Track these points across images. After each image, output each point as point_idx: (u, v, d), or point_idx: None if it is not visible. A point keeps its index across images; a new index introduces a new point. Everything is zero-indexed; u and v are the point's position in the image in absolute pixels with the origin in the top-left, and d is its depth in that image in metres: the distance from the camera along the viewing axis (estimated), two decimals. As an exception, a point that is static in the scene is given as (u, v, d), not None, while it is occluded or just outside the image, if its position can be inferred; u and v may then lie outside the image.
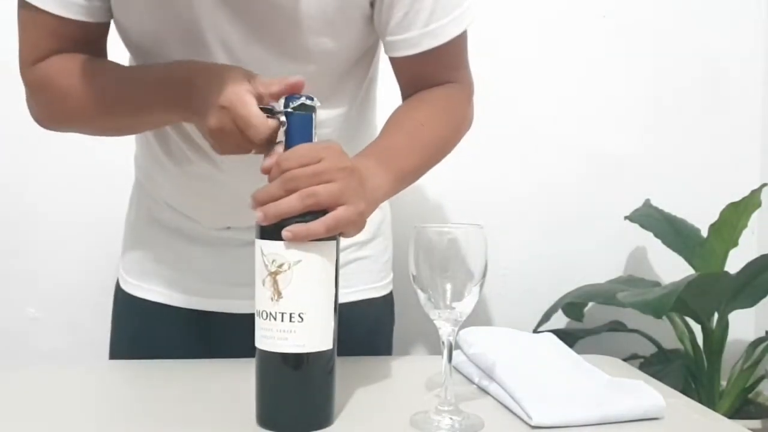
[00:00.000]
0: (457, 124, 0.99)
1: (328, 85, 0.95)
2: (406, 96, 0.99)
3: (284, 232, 0.71)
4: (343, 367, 0.94)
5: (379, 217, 1.10)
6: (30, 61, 0.90)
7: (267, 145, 0.77)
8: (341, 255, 1.02)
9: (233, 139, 0.77)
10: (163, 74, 0.85)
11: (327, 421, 0.75)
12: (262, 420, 0.74)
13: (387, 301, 1.12)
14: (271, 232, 0.72)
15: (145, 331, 1.06)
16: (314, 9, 0.86)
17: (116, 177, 1.50)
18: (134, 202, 1.10)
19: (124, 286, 1.08)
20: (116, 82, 0.88)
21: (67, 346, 1.55)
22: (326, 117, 0.95)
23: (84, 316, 1.56)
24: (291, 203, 0.72)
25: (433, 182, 1.62)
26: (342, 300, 1.03)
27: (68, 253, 1.55)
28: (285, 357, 0.72)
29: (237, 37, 0.87)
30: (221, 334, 1.02)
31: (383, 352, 1.12)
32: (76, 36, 0.89)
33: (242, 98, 0.76)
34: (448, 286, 0.74)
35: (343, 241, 1.01)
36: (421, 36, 0.91)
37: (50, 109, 0.92)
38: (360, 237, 1.04)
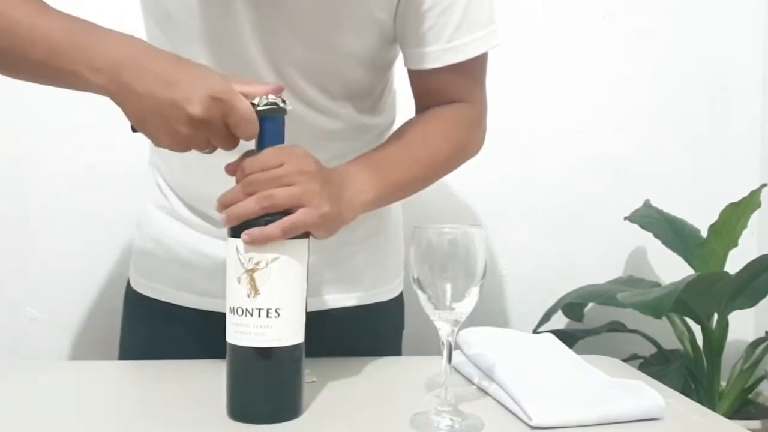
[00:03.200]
0: (463, 145, 0.99)
1: (347, 80, 0.95)
2: (420, 110, 0.99)
3: (243, 236, 0.73)
4: (344, 368, 0.94)
5: (391, 222, 1.10)
6: None
7: (236, 144, 0.77)
8: (351, 256, 1.04)
9: (213, 132, 0.75)
10: (99, 32, 0.76)
11: (300, 410, 0.78)
12: (240, 413, 0.76)
13: (397, 304, 1.12)
14: (243, 231, 0.74)
15: (155, 331, 1.06)
16: (339, 5, 0.87)
17: (117, 177, 1.51)
18: (147, 201, 1.09)
19: (134, 286, 1.08)
20: (42, 18, 0.77)
21: (67, 347, 1.55)
22: (341, 112, 0.96)
23: (84, 316, 1.56)
24: (249, 205, 0.75)
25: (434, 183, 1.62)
26: (351, 303, 1.04)
27: (68, 253, 1.55)
28: (263, 351, 0.75)
29: (267, 24, 0.88)
30: None
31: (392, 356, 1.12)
32: None
33: (236, 93, 0.75)
34: (448, 287, 0.74)
35: (355, 245, 1.02)
36: (443, 51, 0.91)
37: None
38: (371, 241, 1.05)
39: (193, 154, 0.94)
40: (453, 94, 0.97)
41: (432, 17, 0.90)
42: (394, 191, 0.90)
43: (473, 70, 0.96)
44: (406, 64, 0.96)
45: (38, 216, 1.54)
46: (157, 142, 0.77)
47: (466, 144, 0.99)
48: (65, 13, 0.79)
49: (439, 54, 0.92)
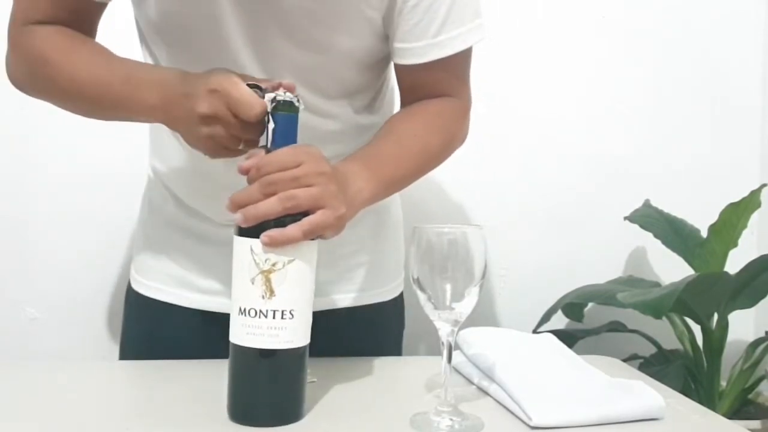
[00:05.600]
0: (450, 139, 0.99)
1: (343, 80, 0.95)
2: (405, 103, 1.00)
3: (262, 237, 0.73)
4: (344, 368, 0.94)
5: (391, 222, 1.10)
6: (21, 21, 0.91)
7: (257, 130, 0.78)
8: (353, 258, 1.04)
9: (225, 125, 0.77)
10: (147, 75, 0.85)
11: (303, 412, 0.78)
12: (244, 416, 0.76)
13: (397, 304, 1.12)
14: (257, 232, 0.73)
15: (156, 331, 1.06)
16: (329, 5, 0.87)
17: (117, 177, 1.51)
18: (146, 202, 1.09)
19: (134, 286, 1.08)
20: (102, 71, 0.87)
21: (67, 346, 1.55)
22: (338, 112, 0.96)
23: (84, 316, 1.56)
24: (271, 206, 0.74)
25: (433, 183, 1.62)
26: (352, 303, 1.04)
27: (68, 252, 1.55)
28: (274, 353, 0.74)
29: (257, 27, 0.88)
30: None
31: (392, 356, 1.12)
32: (74, 8, 0.90)
33: (231, 79, 0.77)
34: (448, 287, 0.74)
35: (355, 245, 1.02)
36: (429, 46, 0.92)
37: (30, 76, 0.92)
38: (371, 241, 1.05)
39: (194, 155, 0.95)
40: (439, 88, 0.97)
41: (418, 13, 0.90)
42: (388, 187, 0.91)
43: (458, 64, 0.96)
44: (393, 58, 0.96)
45: (38, 216, 1.54)
46: (208, 155, 0.82)
47: (453, 138, 1.00)
48: (119, 59, 0.88)
49: (426, 49, 0.92)
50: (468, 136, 1.02)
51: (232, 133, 0.78)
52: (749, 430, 0.80)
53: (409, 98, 0.99)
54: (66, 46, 0.89)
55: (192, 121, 0.79)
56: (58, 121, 1.47)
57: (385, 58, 0.99)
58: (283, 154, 0.76)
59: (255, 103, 0.76)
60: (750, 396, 1.57)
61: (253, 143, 0.80)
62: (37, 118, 1.49)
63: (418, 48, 0.92)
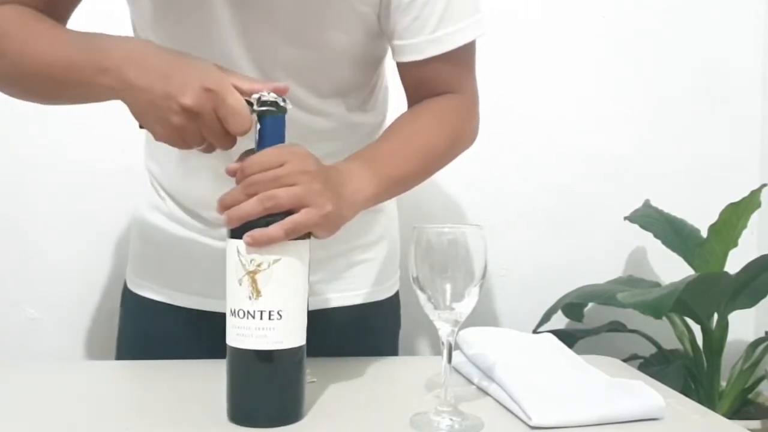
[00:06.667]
0: (458, 137, 0.98)
1: (336, 78, 0.95)
2: (411, 102, 0.99)
3: (245, 238, 0.72)
4: (343, 368, 0.94)
5: (386, 220, 1.10)
6: None
7: (233, 141, 0.77)
8: (347, 257, 1.04)
9: (203, 125, 0.75)
10: (112, 41, 0.80)
11: (302, 413, 0.78)
12: (241, 417, 0.76)
13: (392, 303, 1.12)
14: (244, 233, 0.73)
15: (151, 331, 1.06)
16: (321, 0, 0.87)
17: (117, 177, 1.50)
18: (143, 202, 1.09)
19: (130, 286, 1.08)
20: (57, 41, 0.82)
21: (67, 347, 1.55)
22: (331, 111, 0.96)
23: (84, 316, 1.56)
24: (251, 206, 0.74)
25: (432, 182, 1.62)
26: (347, 303, 1.04)
27: (68, 253, 1.55)
28: (264, 354, 0.74)
29: (250, 25, 0.88)
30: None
31: (388, 355, 1.12)
32: None
33: (227, 85, 0.75)
34: (448, 287, 0.74)
35: (349, 243, 1.02)
36: (427, 42, 0.91)
37: None
38: (365, 239, 1.05)
39: (189, 155, 0.94)
40: (442, 84, 0.96)
41: (415, 9, 0.90)
42: (392, 187, 0.90)
43: (461, 59, 0.96)
44: (393, 56, 0.96)
45: (38, 216, 1.54)
46: (155, 135, 0.78)
47: (460, 135, 0.99)
48: (77, 31, 0.83)
49: (424, 45, 0.91)
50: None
51: (204, 134, 0.76)
52: (749, 430, 0.80)
53: (414, 97, 0.98)
54: (23, 20, 0.83)
55: (166, 105, 0.75)
56: (58, 121, 1.48)
57: (378, 57, 0.99)
58: (267, 154, 0.75)
59: (247, 119, 0.75)
60: (750, 396, 1.57)
61: (212, 149, 0.79)
62: (37, 118, 1.49)
63: (416, 44, 0.92)
